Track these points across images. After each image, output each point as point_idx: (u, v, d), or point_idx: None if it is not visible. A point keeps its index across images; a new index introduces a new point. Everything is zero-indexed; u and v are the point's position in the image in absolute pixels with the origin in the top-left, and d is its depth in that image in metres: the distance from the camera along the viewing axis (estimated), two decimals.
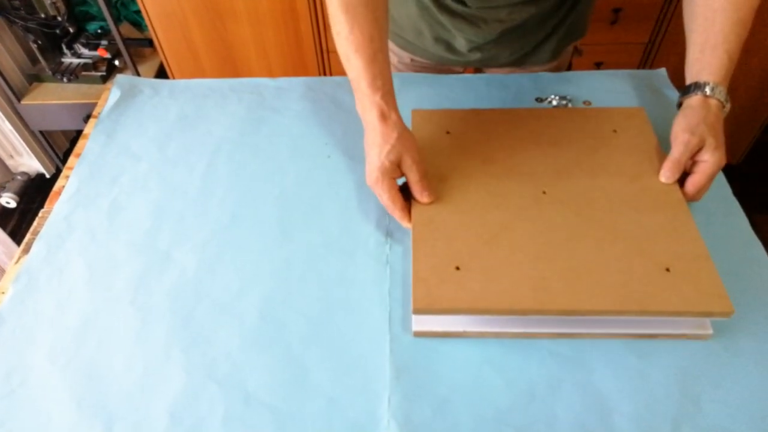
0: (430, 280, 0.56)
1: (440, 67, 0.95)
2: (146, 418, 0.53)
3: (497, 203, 0.63)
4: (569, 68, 0.98)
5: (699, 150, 0.62)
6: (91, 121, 0.87)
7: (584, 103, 0.84)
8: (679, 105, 0.68)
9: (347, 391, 0.54)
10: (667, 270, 0.55)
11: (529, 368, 0.55)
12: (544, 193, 0.64)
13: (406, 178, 0.63)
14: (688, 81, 0.67)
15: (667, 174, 0.64)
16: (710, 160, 0.61)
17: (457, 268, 0.57)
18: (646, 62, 1.54)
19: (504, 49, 0.87)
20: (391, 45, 0.95)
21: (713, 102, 0.64)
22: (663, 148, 0.69)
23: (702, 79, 0.65)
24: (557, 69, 0.94)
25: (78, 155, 0.82)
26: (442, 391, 0.54)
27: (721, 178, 0.72)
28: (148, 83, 0.93)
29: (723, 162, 0.62)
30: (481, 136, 0.71)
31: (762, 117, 1.60)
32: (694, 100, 0.65)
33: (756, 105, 1.56)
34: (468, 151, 0.69)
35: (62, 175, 0.80)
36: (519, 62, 0.91)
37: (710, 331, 0.56)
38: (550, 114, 0.74)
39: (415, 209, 0.63)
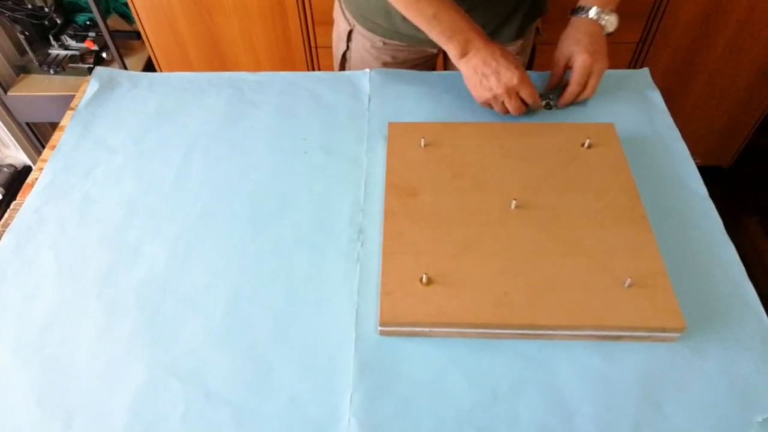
0: (397, 294, 0.57)
1: (413, 49, 0.95)
2: (105, 414, 0.52)
3: (465, 218, 0.64)
4: (533, 51, 1.01)
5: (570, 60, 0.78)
6: (68, 113, 0.86)
7: None
8: None
9: (310, 388, 0.54)
10: (625, 286, 0.57)
11: (493, 369, 0.55)
12: (511, 208, 0.65)
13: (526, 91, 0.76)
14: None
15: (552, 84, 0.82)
16: (577, 59, 0.77)
17: (424, 283, 0.58)
18: (637, 61, 1.53)
19: None
20: (362, 29, 0.95)
21: (580, 20, 0.79)
22: (637, 161, 0.70)
23: (580, 4, 0.81)
24: (523, 50, 0.96)
25: (53, 147, 0.81)
26: (405, 390, 0.53)
27: (698, 180, 0.72)
28: (127, 75, 0.92)
29: (590, 60, 0.76)
30: (453, 150, 0.72)
31: (752, 120, 1.59)
32: (570, 22, 0.80)
33: (746, 108, 1.56)
34: (440, 165, 0.70)
35: (36, 167, 0.79)
36: None
37: (677, 334, 0.56)
38: (521, 128, 0.75)
39: (386, 222, 0.64)
